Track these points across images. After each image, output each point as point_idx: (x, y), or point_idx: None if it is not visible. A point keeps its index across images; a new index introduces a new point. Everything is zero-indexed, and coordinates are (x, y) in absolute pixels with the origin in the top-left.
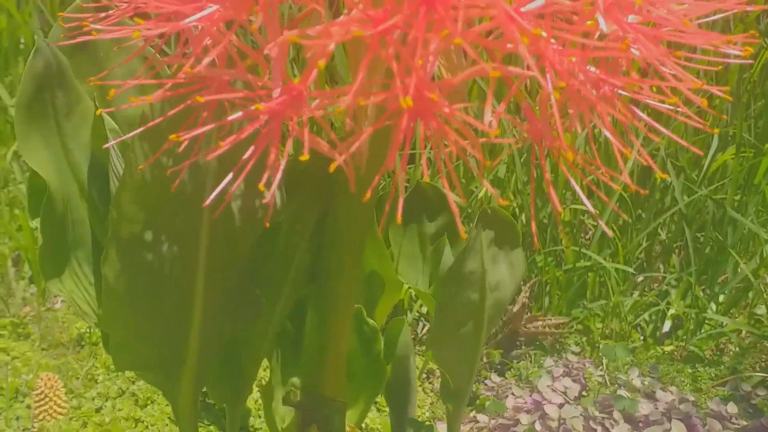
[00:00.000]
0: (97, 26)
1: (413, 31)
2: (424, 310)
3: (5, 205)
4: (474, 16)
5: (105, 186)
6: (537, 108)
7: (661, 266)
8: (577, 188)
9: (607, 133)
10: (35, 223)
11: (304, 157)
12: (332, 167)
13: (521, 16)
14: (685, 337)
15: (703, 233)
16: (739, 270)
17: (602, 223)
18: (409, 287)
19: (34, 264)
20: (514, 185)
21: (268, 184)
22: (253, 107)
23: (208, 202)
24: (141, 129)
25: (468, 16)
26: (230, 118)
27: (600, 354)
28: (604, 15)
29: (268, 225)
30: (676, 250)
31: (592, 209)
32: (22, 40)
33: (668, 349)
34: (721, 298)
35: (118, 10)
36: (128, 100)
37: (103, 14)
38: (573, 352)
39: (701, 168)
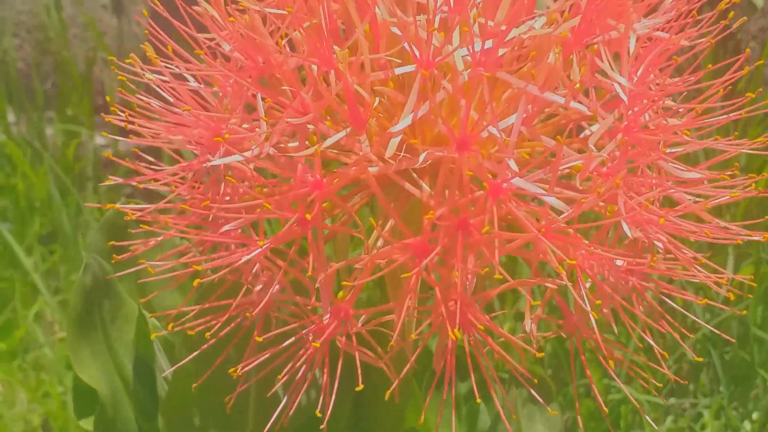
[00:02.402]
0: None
1: (451, 258)
2: None
3: (31, 370)
4: (507, 238)
5: (151, 383)
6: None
7: (691, 386)
8: (615, 377)
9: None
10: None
11: (359, 387)
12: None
13: (552, 237)
14: None
15: (729, 351)
16: None
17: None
18: None
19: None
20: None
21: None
22: (304, 332)
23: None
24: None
25: (502, 238)
26: (285, 344)
27: None
28: (629, 221)
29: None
30: (704, 369)
31: (630, 397)
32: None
33: None
34: (755, 415)
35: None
36: (166, 297)
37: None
38: None
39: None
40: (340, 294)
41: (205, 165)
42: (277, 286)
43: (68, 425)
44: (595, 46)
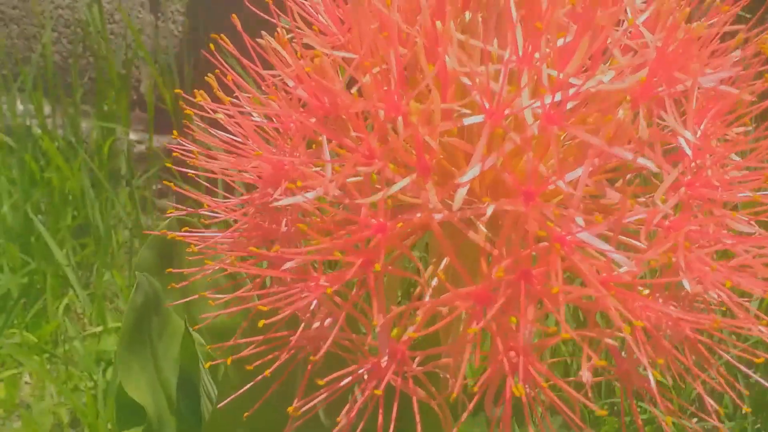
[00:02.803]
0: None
1: (513, 307)
2: None
3: (61, 364)
4: (570, 291)
5: (194, 401)
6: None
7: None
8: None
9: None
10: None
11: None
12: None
13: (613, 290)
14: None
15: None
16: None
17: None
18: None
19: (93, 428)
20: None
21: None
22: (360, 371)
23: None
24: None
25: (565, 291)
26: (342, 383)
27: None
28: (687, 274)
29: None
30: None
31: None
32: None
33: None
34: None
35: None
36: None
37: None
38: None
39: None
40: (395, 332)
41: (271, 203)
42: (332, 322)
43: (97, 423)
44: (661, 96)
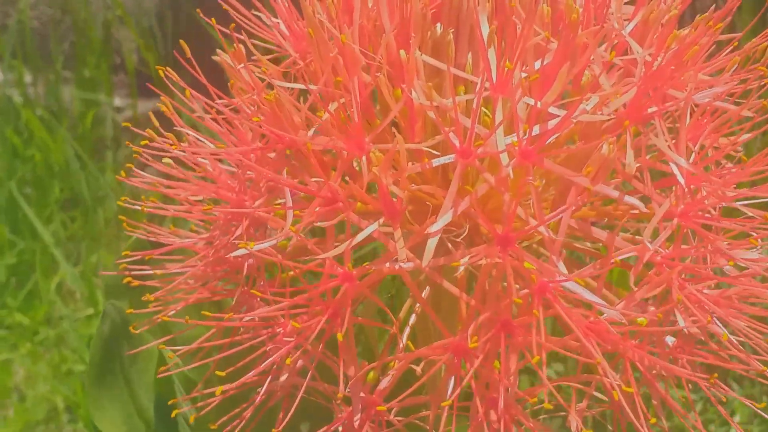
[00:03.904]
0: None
1: (492, 359)
2: None
3: (54, 347)
4: (553, 341)
5: (172, 425)
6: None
7: None
8: None
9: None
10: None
11: None
12: None
13: (600, 336)
14: None
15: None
16: None
17: None
18: None
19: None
20: None
21: None
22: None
23: None
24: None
25: (548, 341)
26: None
27: None
28: (682, 314)
29: None
30: None
31: None
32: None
33: None
34: None
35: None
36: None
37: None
38: None
39: None
40: (370, 375)
41: (231, 256)
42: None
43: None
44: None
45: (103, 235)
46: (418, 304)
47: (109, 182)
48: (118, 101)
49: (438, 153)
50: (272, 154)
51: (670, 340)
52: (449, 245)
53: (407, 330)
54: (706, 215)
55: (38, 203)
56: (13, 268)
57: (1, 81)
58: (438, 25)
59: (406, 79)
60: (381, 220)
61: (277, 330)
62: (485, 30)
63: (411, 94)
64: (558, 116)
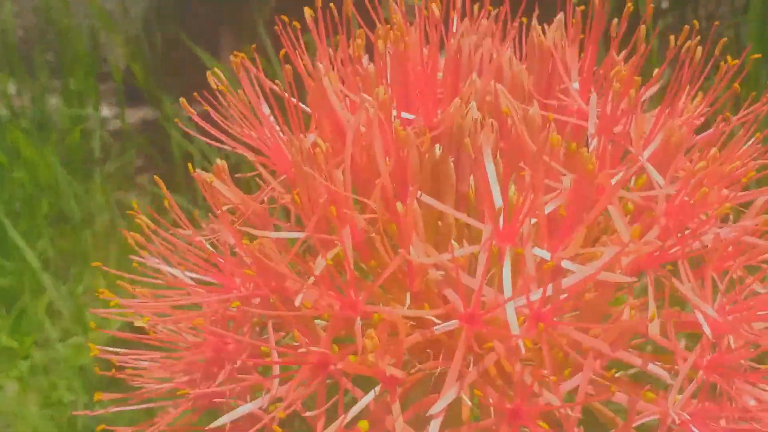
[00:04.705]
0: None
1: None
2: None
3: (42, 374)
4: None
5: None
6: None
7: None
8: None
9: None
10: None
11: None
12: None
13: None
14: None
15: None
16: None
17: None
18: None
19: None
20: None
21: None
22: None
23: None
24: None
25: None
26: None
27: None
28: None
29: None
30: None
31: None
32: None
33: None
34: None
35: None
36: None
37: None
38: None
39: None
40: None
41: (209, 428)
42: None
43: None
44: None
45: (92, 250)
46: None
47: (97, 198)
48: (105, 110)
49: (439, 321)
50: (257, 300)
51: None
52: None
53: None
54: (736, 366)
55: (27, 220)
56: (2, 291)
57: None
58: (437, 146)
59: (404, 236)
60: (377, 389)
61: None
62: (491, 170)
63: (409, 253)
64: (573, 272)
